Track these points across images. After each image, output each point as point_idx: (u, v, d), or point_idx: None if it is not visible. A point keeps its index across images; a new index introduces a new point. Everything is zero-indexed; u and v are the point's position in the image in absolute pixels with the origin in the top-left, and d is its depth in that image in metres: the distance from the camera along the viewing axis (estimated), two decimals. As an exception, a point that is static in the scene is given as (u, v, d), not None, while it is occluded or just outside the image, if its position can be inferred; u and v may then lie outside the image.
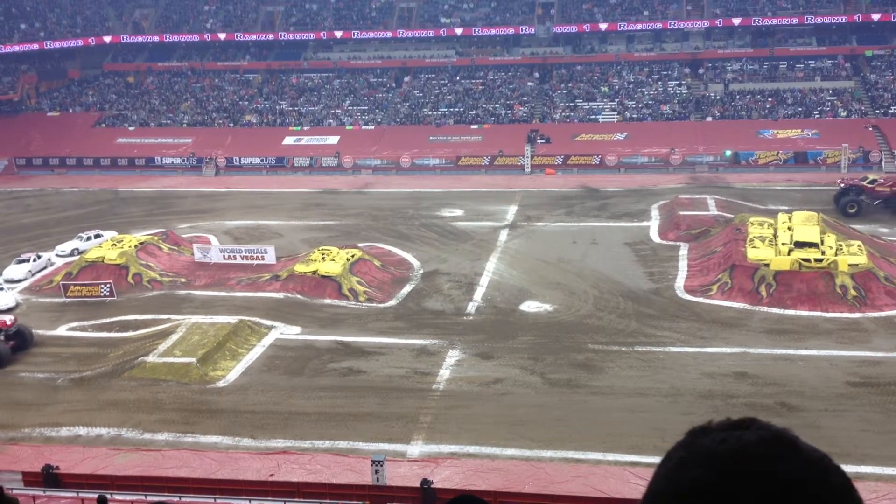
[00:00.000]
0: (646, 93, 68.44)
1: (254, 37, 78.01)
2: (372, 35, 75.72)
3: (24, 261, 44.56)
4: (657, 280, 39.58)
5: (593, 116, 66.86)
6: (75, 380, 32.31)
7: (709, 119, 64.97)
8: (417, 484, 23.03)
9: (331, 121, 70.28)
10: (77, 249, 46.79)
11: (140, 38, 79.96)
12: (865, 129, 61.20)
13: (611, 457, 25.35)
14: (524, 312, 36.81)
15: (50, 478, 24.42)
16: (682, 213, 47.33)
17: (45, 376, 32.86)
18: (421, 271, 42.27)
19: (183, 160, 67.57)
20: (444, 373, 31.32)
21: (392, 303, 38.64)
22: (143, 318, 37.54)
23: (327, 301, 38.58)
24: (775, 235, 39.39)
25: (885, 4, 68.97)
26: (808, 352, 31.71)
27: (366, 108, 71.50)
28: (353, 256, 41.36)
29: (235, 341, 34.29)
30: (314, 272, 39.85)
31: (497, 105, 69.57)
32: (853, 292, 35.44)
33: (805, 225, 39.90)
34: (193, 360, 32.26)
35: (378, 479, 23.56)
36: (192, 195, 60.23)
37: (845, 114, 63.46)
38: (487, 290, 39.43)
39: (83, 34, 78.10)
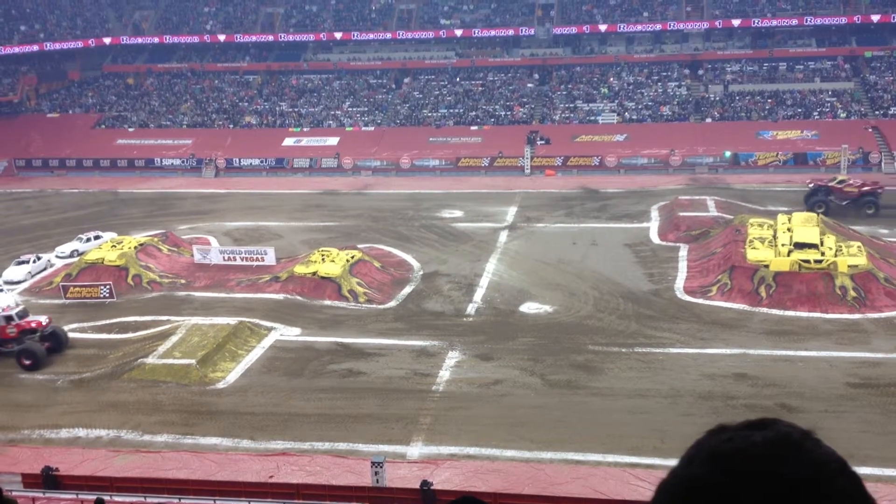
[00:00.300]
0: (645, 94, 68.46)
1: (253, 38, 78.06)
2: (372, 36, 75.75)
3: (23, 262, 44.57)
4: (657, 281, 39.57)
5: (593, 118, 66.88)
6: (75, 381, 32.28)
7: (708, 120, 64.99)
8: (417, 485, 23.02)
9: (330, 122, 70.29)
10: (77, 251, 46.78)
11: (140, 40, 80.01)
12: (865, 130, 61.21)
13: (610, 458, 25.31)
14: (524, 314, 36.80)
15: (49, 479, 24.42)
16: (681, 214, 47.33)
17: (45, 378, 32.85)
18: (421, 272, 42.26)
19: (183, 161, 67.59)
20: (444, 374, 31.30)
21: (392, 304, 38.63)
22: (142, 320, 37.52)
23: (327, 302, 38.58)
24: (775, 236, 39.38)
25: (885, 5, 68.99)
26: (808, 353, 31.69)
27: (365, 109, 71.51)
28: (352, 258, 41.36)
29: (235, 343, 34.27)
30: (314, 273, 39.85)
31: (497, 106, 69.59)
32: (853, 293, 35.44)
33: (805, 226, 39.89)
34: (193, 361, 32.24)
35: (378, 481, 23.55)
36: (192, 196, 60.24)
37: (845, 115, 63.47)
38: (487, 291, 39.42)
39: (83, 36, 78.13)
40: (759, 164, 59.65)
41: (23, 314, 35.00)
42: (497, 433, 26.87)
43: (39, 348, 33.69)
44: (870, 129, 61.26)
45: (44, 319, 35.09)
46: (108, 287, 40.42)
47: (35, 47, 75.20)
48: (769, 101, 65.64)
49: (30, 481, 24.76)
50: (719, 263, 39.54)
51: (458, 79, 73.53)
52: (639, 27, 72.26)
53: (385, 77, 75.36)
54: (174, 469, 25.77)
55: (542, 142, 64.00)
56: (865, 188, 48.00)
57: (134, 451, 27.16)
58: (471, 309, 37.53)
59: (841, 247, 37.90)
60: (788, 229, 39.72)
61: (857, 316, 34.51)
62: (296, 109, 72.30)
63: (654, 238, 45.59)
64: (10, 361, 33.83)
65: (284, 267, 41.84)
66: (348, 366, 32.46)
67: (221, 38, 77.73)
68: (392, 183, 61.39)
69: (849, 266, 36.22)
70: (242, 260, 43.46)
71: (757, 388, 29.02)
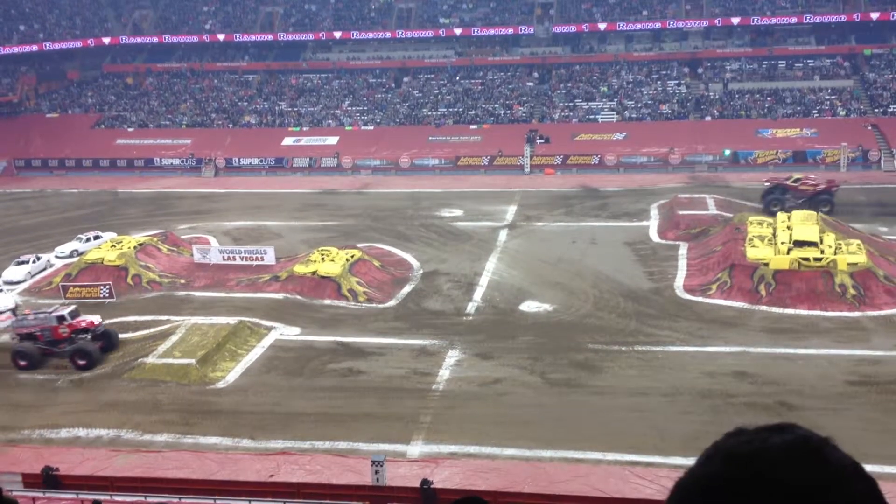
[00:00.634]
0: (645, 92, 68.45)
1: (253, 37, 78.03)
2: (371, 35, 75.74)
3: (23, 262, 44.55)
4: (657, 279, 39.57)
5: (592, 116, 66.88)
6: (75, 381, 32.29)
7: (708, 118, 64.99)
8: (417, 484, 23.01)
9: (330, 121, 70.28)
10: (76, 251, 46.76)
11: (139, 40, 79.97)
12: (864, 128, 61.23)
13: (610, 456, 25.31)
14: (524, 312, 36.80)
15: (50, 479, 24.41)
16: (681, 212, 47.33)
17: (45, 377, 32.85)
18: (420, 271, 42.26)
19: (182, 161, 67.59)
20: (444, 373, 31.30)
21: (392, 303, 38.63)
22: (142, 320, 37.50)
23: (327, 301, 38.58)
24: (774, 234, 39.38)
25: (884, 3, 68.96)
26: (808, 351, 31.68)
27: (365, 108, 71.51)
28: (352, 257, 41.36)
29: (235, 342, 34.27)
30: (314, 273, 39.85)
31: (496, 105, 69.58)
32: (852, 291, 35.44)
33: (804, 224, 39.88)
34: (193, 361, 32.23)
35: (378, 480, 23.55)
36: (192, 196, 60.24)
37: (844, 113, 63.48)
38: (487, 290, 39.43)
39: (82, 35, 78.11)
40: (758, 163, 59.64)
41: (75, 314, 34.60)
42: (497, 432, 26.86)
43: (94, 348, 33.44)
44: (869, 127, 61.27)
45: (96, 319, 34.78)
46: (107, 287, 40.43)
47: (34, 47, 75.19)
48: (769, 99, 65.63)
49: (30, 481, 24.75)
50: (719, 261, 39.55)
51: (457, 78, 73.52)
52: (638, 26, 72.25)
53: (384, 76, 75.36)
54: (174, 468, 25.76)
55: (542, 140, 63.99)
56: (821, 187, 48.20)
57: (134, 450, 27.16)
58: (471, 308, 37.53)
59: (840, 245, 37.89)
60: (788, 227, 39.71)
61: (856, 314, 34.51)
62: (295, 109, 72.30)
63: (654, 236, 45.59)
64: (6, 361, 33.70)
65: (284, 266, 41.84)
66: (348, 365, 32.46)
67: (221, 37, 77.71)
68: (391, 182, 61.40)
69: (848, 264, 36.23)
70: (242, 259, 43.44)
71: (757, 386, 29.02)
